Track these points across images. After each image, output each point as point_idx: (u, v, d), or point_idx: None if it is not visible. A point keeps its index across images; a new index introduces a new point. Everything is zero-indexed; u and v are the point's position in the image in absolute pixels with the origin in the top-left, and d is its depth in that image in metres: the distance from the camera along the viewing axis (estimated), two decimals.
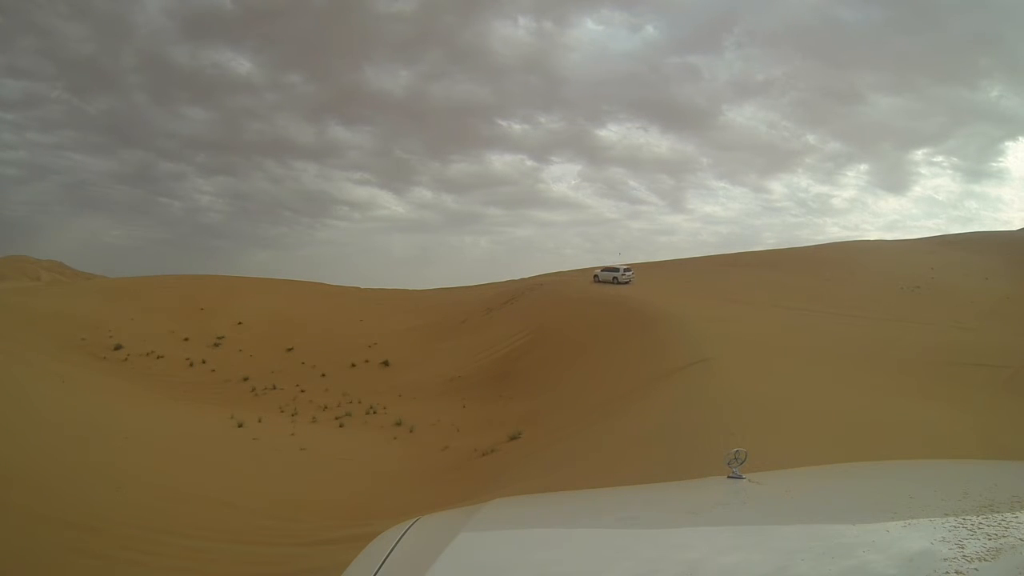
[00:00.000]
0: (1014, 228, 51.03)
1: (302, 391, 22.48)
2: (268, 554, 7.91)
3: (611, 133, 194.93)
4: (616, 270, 27.20)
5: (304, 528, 9.00)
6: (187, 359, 25.61)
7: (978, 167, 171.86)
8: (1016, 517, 1.01)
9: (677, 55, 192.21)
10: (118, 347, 25.39)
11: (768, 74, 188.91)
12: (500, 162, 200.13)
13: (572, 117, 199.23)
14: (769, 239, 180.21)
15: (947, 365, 13.72)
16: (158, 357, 25.31)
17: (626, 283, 26.33)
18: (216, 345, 27.70)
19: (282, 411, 19.64)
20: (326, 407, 20.25)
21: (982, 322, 20.66)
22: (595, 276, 28.71)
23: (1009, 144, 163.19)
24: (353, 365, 26.00)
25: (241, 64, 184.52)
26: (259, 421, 17.31)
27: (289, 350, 27.25)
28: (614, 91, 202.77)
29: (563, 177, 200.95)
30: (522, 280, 40.71)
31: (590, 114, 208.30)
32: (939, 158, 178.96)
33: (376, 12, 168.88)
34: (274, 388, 22.80)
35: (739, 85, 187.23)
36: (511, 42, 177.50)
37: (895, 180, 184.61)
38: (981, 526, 0.96)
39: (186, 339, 27.82)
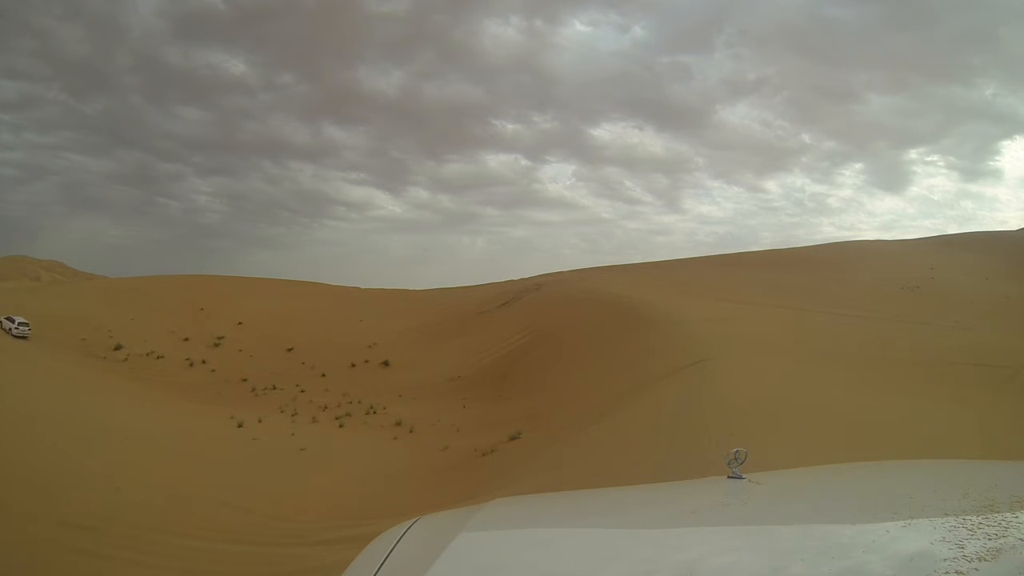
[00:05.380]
0: (1010, 227, 51.09)
1: (302, 391, 22.48)
2: (268, 554, 7.91)
3: (605, 132, 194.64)
4: (12, 320, 24.44)
5: (304, 528, 9.00)
6: (187, 359, 25.61)
7: (974, 166, 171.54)
8: (1016, 517, 1.01)
9: (668, 54, 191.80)
10: (118, 347, 25.39)
11: (760, 73, 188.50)
12: (495, 162, 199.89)
13: (566, 116, 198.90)
14: (766, 239, 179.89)
15: (947, 365, 13.72)
16: (158, 357, 25.31)
17: (21, 336, 23.54)
18: (216, 345, 27.70)
19: (282, 411, 19.63)
20: (326, 407, 20.25)
21: (982, 322, 20.67)
22: None
23: (1005, 143, 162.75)
24: (353, 365, 26.00)
25: (235, 65, 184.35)
26: (259, 421, 17.31)
27: (289, 350, 27.25)
28: (606, 90, 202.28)
29: (558, 177, 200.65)
30: (521, 280, 40.73)
31: (583, 113, 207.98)
32: (934, 157, 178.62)
33: (367, 12, 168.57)
34: (274, 388, 22.79)
35: (731, 84, 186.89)
36: (502, 41, 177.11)
37: (891, 179, 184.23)
38: (981, 526, 0.96)
39: (186, 339, 27.82)
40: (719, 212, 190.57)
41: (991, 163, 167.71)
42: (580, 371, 18.92)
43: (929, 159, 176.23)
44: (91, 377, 20.12)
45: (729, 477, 1.46)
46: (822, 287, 28.63)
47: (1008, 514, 1.03)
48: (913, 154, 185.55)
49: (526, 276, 41.81)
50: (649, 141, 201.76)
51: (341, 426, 18.14)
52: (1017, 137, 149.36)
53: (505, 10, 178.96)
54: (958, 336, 17.66)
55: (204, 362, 25.54)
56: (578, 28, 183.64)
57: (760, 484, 1.43)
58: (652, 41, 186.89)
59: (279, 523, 9.09)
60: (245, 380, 23.58)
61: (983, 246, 39.10)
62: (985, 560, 0.85)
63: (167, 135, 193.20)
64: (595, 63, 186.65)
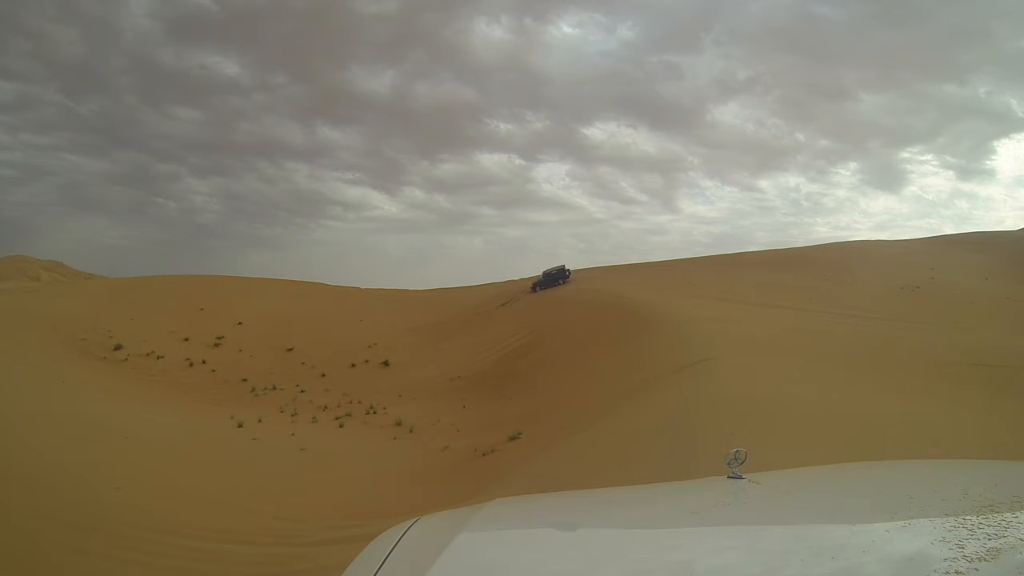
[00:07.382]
0: (1007, 227, 51.12)
1: (302, 391, 22.48)
2: (268, 554, 7.92)
3: (598, 131, 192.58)
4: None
5: (304, 528, 9.00)
6: (187, 359, 25.60)
7: (969, 165, 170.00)
8: (1016, 517, 1.01)
9: (657, 54, 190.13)
10: (118, 347, 25.38)
11: (751, 72, 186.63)
12: (489, 161, 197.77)
13: (558, 115, 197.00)
14: (762, 238, 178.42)
15: (947, 365, 13.72)
16: (158, 357, 25.30)
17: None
18: (216, 345, 27.70)
19: (282, 411, 19.63)
20: (326, 407, 20.25)
21: (982, 322, 20.68)
22: None
23: (1002, 142, 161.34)
24: (353, 365, 26.00)
25: (228, 66, 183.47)
26: (259, 421, 17.32)
27: (289, 350, 27.25)
28: (598, 89, 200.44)
29: (552, 177, 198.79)
30: (520, 280, 40.73)
31: (576, 112, 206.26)
32: (929, 156, 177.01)
33: (358, 12, 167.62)
34: (274, 388, 22.79)
35: (722, 83, 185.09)
36: (493, 40, 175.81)
37: (886, 179, 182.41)
38: (981, 526, 0.96)
39: (186, 339, 27.81)
40: (714, 212, 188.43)
41: (987, 162, 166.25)
42: (580, 371, 18.92)
43: (924, 158, 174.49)
44: (91, 377, 20.13)
45: (729, 477, 1.46)
46: (822, 287, 28.63)
47: (1008, 514, 1.03)
48: (907, 153, 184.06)
49: (525, 276, 41.78)
50: (642, 140, 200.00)
51: (341, 426, 18.14)
52: (1013, 136, 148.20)
53: (495, 8, 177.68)
54: (958, 336, 17.66)
55: (204, 362, 25.53)
56: (565, 30, 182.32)
57: (760, 484, 1.43)
58: (640, 41, 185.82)
59: (279, 523, 9.09)
60: (245, 380, 23.58)
61: (983, 246, 39.09)
62: (985, 560, 0.85)
63: (163, 135, 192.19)
64: (586, 62, 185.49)
